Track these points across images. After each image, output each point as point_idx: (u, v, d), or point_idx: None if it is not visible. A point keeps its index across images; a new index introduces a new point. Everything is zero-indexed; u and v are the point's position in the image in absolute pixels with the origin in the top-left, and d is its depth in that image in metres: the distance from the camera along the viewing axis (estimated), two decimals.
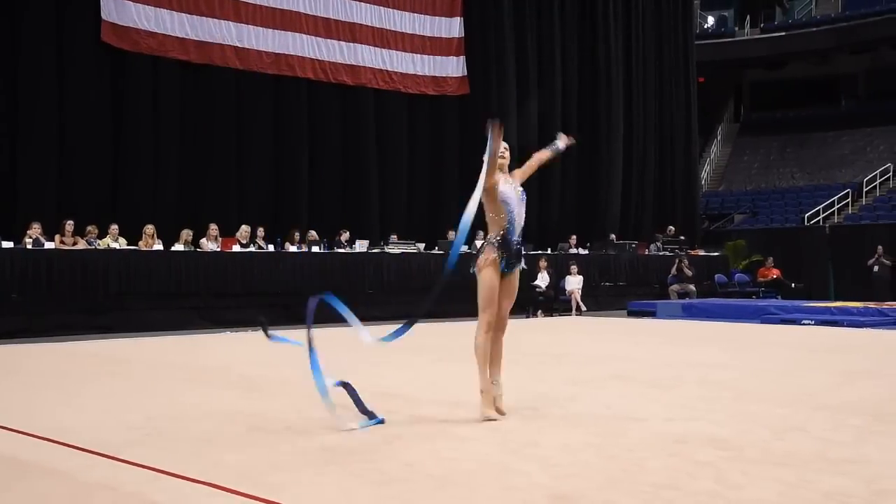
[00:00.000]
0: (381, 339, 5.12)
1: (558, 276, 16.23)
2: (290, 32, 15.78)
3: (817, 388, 6.50)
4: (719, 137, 29.43)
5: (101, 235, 12.38)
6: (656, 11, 22.51)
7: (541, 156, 5.84)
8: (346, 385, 5.31)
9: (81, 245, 11.95)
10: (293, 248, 14.00)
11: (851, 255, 18.62)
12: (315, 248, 14.16)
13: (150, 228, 12.60)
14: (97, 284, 11.52)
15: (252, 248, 13.39)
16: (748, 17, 29.72)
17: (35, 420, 5.02)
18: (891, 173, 23.38)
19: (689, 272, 17.79)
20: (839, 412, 5.36)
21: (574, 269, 16.27)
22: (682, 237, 20.36)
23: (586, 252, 18.15)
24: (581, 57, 20.42)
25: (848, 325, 12.82)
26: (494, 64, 18.58)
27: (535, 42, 19.45)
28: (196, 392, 6.30)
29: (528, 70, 19.18)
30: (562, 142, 5.87)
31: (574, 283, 16.18)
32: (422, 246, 15.40)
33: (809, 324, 13.21)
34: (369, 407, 5.19)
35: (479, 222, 5.50)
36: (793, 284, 18.67)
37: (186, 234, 12.93)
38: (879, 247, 17.97)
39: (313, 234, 14.71)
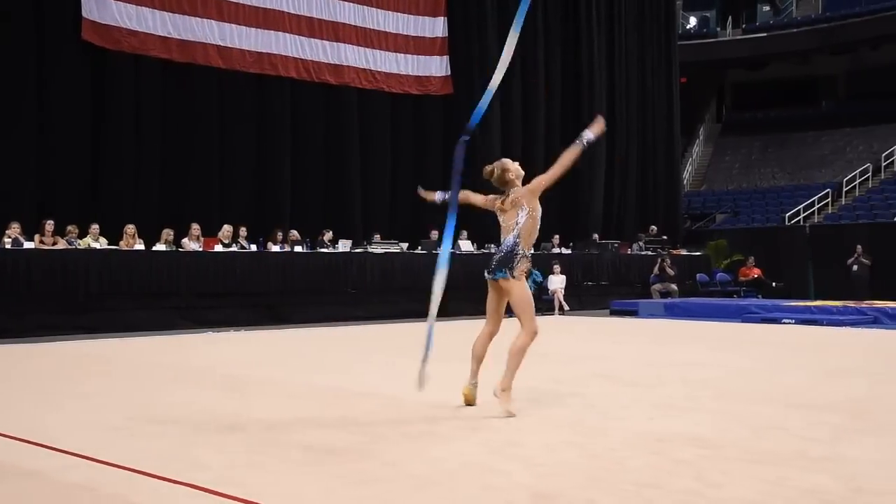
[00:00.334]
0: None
1: (541, 275, 16.25)
2: (273, 31, 15.71)
3: (797, 386, 6.55)
4: (701, 137, 29.57)
5: (82, 235, 12.29)
6: (639, 12, 22.59)
7: (569, 156, 5.46)
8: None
9: (61, 245, 11.86)
10: (276, 248, 13.95)
11: (831, 255, 18.75)
12: (298, 248, 14.12)
13: (130, 228, 12.52)
14: (77, 284, 11.42)
15: (234, 248, 13.33)
16: (730, 17, 29.88)
17: (14, 421, 4.98)
18: (870, 173, 23.58)
19: (671, 272, 17.87)
20: (818, 411, 5.40)
21: (557, 268, 16.32)
22: (665, 237, 20.44)
23: (569, 252, 18.20)
24: (564, 57, 20.47)
25: (828, 324, 12.92)
26: (478, 64, 18.59)
27: (519, 42, 19.40)
28: (177, 392, 6.27)
29: (511, 70, 19.16)
30: (593, 130, 5.42)
31: (557, 282, 16.22)
32: (405, 246, 15.39)
33: (790, 323, 13.30)
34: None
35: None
36: (773, 284, 18.80)
37: (167, 233, 12.86)
38: (858, 246, 18.11)
39: (296, 233, 14.67)
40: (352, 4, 16.94)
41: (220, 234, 13.35)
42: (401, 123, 17.86)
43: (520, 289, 5.49)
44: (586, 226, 20.02)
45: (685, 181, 26.16)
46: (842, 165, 24.85)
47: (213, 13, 14.91)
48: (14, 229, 11.51)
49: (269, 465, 3.94)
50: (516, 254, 5.48)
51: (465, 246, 16.42)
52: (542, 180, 5.47)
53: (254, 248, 13.68)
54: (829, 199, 22.80)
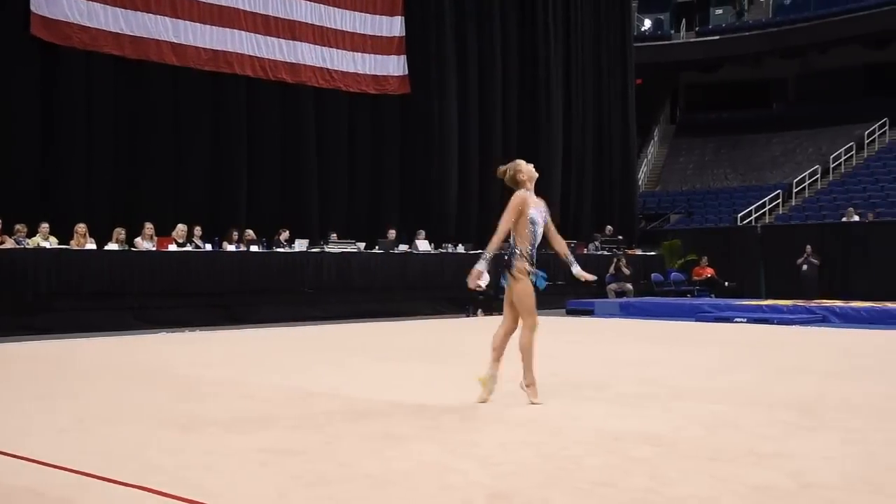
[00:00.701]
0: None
1: (498, 275, 16.28)
2: (228, 29, 15.53)
3: (748, 384, 6.66)
4: (656, 138, 29.91)
5: (31, 234, 12.02)
6: (595, 14, 22.77)
7: (560, 247, 6.19)
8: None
9: (9, 244, 11.60)
10: (231, 248, 13.82)
11: (781, 255, 19.10)
12: (254, 248, 14.00)
13: (81, 227, 12.29)
14: (26, 285, 11.19)
15: (189, 248, 13.18)
16: (684, 20, 30.28)
17: None
18: (818, 175, 24.06)
19: (626, 271, 18.05)
20: (769, 408, 5.50)
21: None
22: (620, 237, 20.65)
23: None
24: (521, 57, 20.56)
25: (778, 323, 13.16)
26: (435, 64, 18.60)
27: (476, 42, 19.52)
28: (129, 393, 6.17)
29: (469, 70, 19.25)
30: (575, 270, 6.20)
31: None
32: (362, 245, 15.34)
33: (742, 321, 13.53)
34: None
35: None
36: (726, 283, 19.09)
37: (119, 232, 12.66)
38: (808, 246, 18.46)
39: (251, 233, 14.54)
40: (308, 3, 16.83)
41: (174, 233, 13.18)
42: (358, 122, 17.79)
43: (518, 286, 5.85)
44: None
45: (640, 182, 26.43)
46: (792, 167, 25.31)
47: (166, 10, 14.70)
48: None
49: (224, 467, 3.90)
50: (513, 253, 5.86)
51: (423, 246, 16.43)
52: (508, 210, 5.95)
53: (209, 247, 13.52)
54: (780, 199, 23.21)
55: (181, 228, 13.24)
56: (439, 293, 16.02)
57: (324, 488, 3.54)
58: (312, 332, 12.01)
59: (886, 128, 25.22)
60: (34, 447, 4.23)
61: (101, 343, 10.12)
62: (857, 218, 19.57)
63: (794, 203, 23.26)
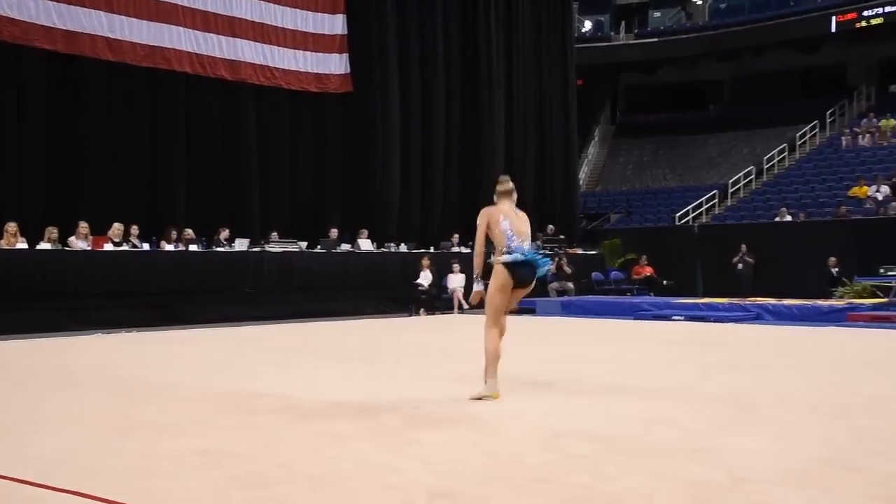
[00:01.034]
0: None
1: (440, 274, 16.35)
2: (165, 25, 15.24)
3: (685, 381, 6.79)
4: (596, 138, 30.30)
5: None
6: (536, 15, 22.93)
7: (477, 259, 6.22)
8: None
9: None
10: (170, 247, 13.59)
11: (718, 254, 19.50)
12: (193, 247, 13.79)
13: (12, 226, 11.93)
14: None
15: (126, 247, 12.92)
16: (623, 22, 30.72)
17: None
18: (753, 176, 24.64)
19: (568, 270, 18.24)
20: (705, 404, 5.61)
21: (456, 267, 16.42)
22: (562, 236, 20.84)
23: (468, 250, 18.34)
24: (463, 58, 20.62)
25: (714, 321, 13.42)
26: (378, 63, 18.55)
27: (419, 43, 19.52)
28: (63, 396, 6.03)
29: (411, 70, 19.24)
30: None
31: (456, 281, 16.32)
32: (304, 245, 15.23)
33: (679, 319, 13.77)
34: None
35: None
36: (664, 282, 19.41)
37: (51, 231, 12.34)
38: (743, 245, 18.87)
39: (190, 232, 14.31)
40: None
41: (109, 232, 12.91)
42: (300, 121, 17.65)
43: (490, 282, 6.07)
44: None
45: (581, 181, 26.73)
46: (728, 167, 25.88)
47: (101, 4, 14.36)
48: None
49: (161, 470, 3.84)
50: (492, 261, 6.05)
51: (365, 245, 16.38)
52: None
53: (146, 246, 13.28)
54: (716, 199, 23.71)
55: (117, 227, 12.97)
56: (382, 293, 15.98)
57: (263, 490, 3.51)
58: (253, 332, 11.88)
59: (817, 130, 25.97)
60: None
61: (34, 345, 9.86)
62: (789, 218, 20.11)
63: (729, 203, 23.77)
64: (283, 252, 14.55)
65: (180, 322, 12.75)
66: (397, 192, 18.68)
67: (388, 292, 15.96)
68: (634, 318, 14.26)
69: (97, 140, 14.45)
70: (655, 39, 29.62)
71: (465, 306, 16.25)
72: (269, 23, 16.91)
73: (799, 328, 12.31)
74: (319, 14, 17.83)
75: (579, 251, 20.72)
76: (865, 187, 20.78)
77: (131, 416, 5.18)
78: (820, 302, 13.95)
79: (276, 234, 15.33)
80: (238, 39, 16.32)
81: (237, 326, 12.58)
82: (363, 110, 18.36)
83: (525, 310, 16.12)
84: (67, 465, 3.92)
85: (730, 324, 13.08)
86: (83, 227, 12.65)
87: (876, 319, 12.55)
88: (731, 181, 24.32)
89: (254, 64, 16.58)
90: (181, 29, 15.47)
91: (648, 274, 19.66)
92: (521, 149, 21.96)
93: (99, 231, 12.89)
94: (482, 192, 20.67)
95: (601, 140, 30.50)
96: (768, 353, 9.10)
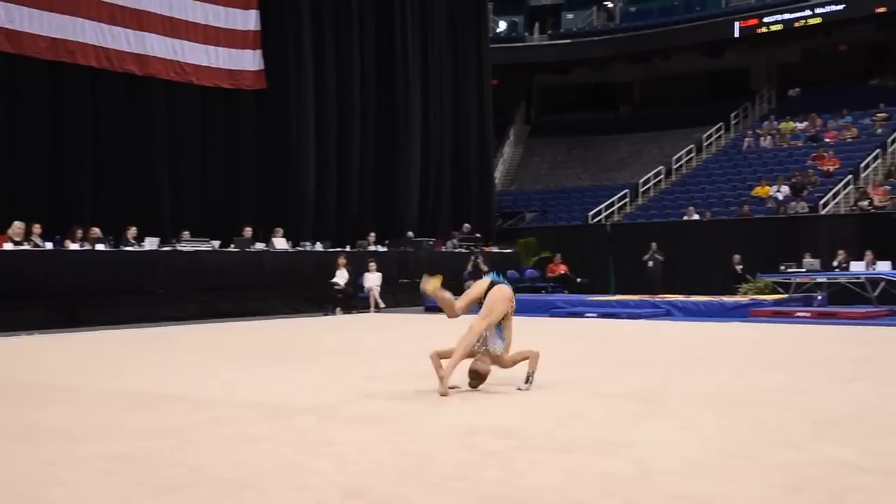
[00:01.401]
0: None
1: (357, 273, 16.26)
2: (69, 16, 14.73)
3: (597, 376, 6.92)
4: (512, 138, 30.61)
5: None
6: (451, 14, 23.01)
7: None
8: None
9: None
10: (74, 246, 13.14)
11: (629, 252, 19.97)
12: (100, 246, 13.38)
13: None
14: None
15: (27, 247, 12.45)
16: (537, 23, 31.10)
17: None
18: (662, 176, 25.29)
19: (484, 268, 18.33)
20: (615, 399, 5.73)
21: (373, 266, 16.37)
22: (478, 235, 21.01)
23: (385, 249, 18.32)
24: (379, 56, 20.56)
25: (626, 317, 13.73)
26: (293, 60, 18.33)
27: (334, 40, 19.37)
28: None
29: (326, 68, 19.08)
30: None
31: (373, 280, 16.27)
32: (217, 244, 14.95)
33: (593, 317, 14.03)
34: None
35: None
36: (578, 280, 19.75)
37: None
38: (653, 243, 19.37)
39: (97, 231, 13.88)
40: None
41: (10, 231, 12.45)
42: (212, 118, 17.32)
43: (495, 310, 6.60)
44: (402, 223, 20.23)
45: (497, 181, 26.96)
46: (638, 167, 26.47)
47: None
48: None
49: (65, 477, 3.71)
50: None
51: (280, 244, 16.18)
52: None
53: (49, 245, 12.82)
54: (628, 199, 24.25)
55: (18, 226, 12.49)
56: (297, 292, 15.82)
57: (172, 494, 3.43)
58: (164, 333, 11.59)
59: (722, 132, 26.82)
60: None
61: None
62: (696, 217, 20.72)
63: (640, 202, 24.33)
64: (196, 251, 14.27)
65: (87, 324, 12.35)
66: (313, 191, 18.51)
67: (303, 292, 15.81)
68: (549, 316, 14.46)
69: None
70: (569, 41, 30.08)
71: (382, 305, 16.22)
72: (180, 17, 16.51)
73: (705, 324, 12.67)
74: (231, 9, 17.53)
75: (495, 250, 20.91)
76: (767, 187, 21.55)
77: (31, 422, 4.99)
78: (725, 298, 14.42)
79: (187, 232, 15.00)
80: (146, 33, 15.89)
81: (147, 328, 12.26)
82: (278, 108, 18.12)
83: (440, 308, 16.17)
84: None
85: (641, 320, 13.39)
86: None
87: (777, 315, 13.05)
88: (641, 181, 24.88)
89: (163, 59, 16.18)
90: (85, 21, 14.98)
91: (563, 272, 19.96)
92: (437, 147, 22.02)
93: None
94: (398, 191, 20.78)
95: (516, 140, 30.82)
96: (676, 349, 9.35)
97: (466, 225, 21.41)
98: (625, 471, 3.73)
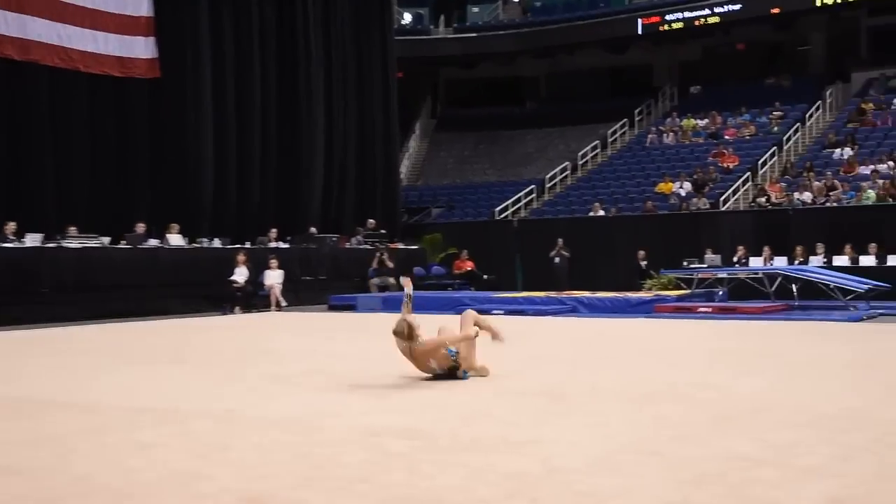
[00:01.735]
0: None
1: (257, 270, 15.82)
2: None
3: (503, 374, 6.81)
4: (417, 132, 30.45)
5: None
6: (354, 3, 22.63)
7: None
8: None
9: None
10: None
11: (536, 248, 20.06)
12: None
13: None
14: None
15: None
16: (442, 16, 31.01)
17: None
18: (568, 171, 25.59)
19: (389, 265, 18.17)
20: (521, 396, 5.65)
21: (274, 263, 15.96)
22: (383, 231, 20.77)
23: (286, 246, 17.90)
24: (280, 47, 20.08)
25: (533, 314, 13.74)
26: (189, 49, 17.71)
27: (233, 27, 18.81)
28: None
29: (225, 55, 18.52)
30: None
31: (274, 277, 15.86)
32: (106, 240, 14.32)
33: (499, 314, 13.97)
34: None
35: None
36: (485, 276, 19.70)
37: None
38: (559, 239, 19.49)
39: None
40: None
41: None
42: (101, 107, 16.59)
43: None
44: (304, 219, 19.78)
45: (402, 176, 26.77)
46: (544, 163, 26.71)
47: None
48: None
49: None
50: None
51: (175, 240, 15.61)
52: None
53: None
54: (535, 194, 24.42)
55: None
56: (194, 290, 15.27)
57: None
58: (47, 334, 11.00)
59: (627, 128, 27.34)
60: None
61: None
62: (602, 213, 21.00)
63: (546, 198, 24.54)
64: (83, 248, 13.64)
65: None
66: (211, 185, 17.95)
67: (200, 290, 15.27)
68: (456, 313, 14.32)
69: None
70: (474, 35, 30.12)
71: (284, 304, 15.83)
72: (65, 0, 15.68)
73: (611, 320, 12.81)
74: None
75: (401, 246, 20.73)
76: (670, 183, 22.05)
77: None
78: (630, 294, 14.60)
79: (74, 228, 14.29)
80: (27, 17, 15.05)
81: (30, 329, 11.61)
82: (173, 98, 17.48)
83: (345, 306, 15.91)
84: None
85: (547, 317, 13.43)
86: None
87: (680, 310, 13.27)
88: (547, 176, 25.12)
89: (47, 44, 15.38)
90: None
91: (469, 268, 19.90)
92: (341, 142, 21.68)
93: None
94: (301, 185, 20.34)
95: (422, 134, 30.70)
96: (582, 345, 9.38)
97: (371, 221, 21.14)
98: (530, 469, 3.67)
